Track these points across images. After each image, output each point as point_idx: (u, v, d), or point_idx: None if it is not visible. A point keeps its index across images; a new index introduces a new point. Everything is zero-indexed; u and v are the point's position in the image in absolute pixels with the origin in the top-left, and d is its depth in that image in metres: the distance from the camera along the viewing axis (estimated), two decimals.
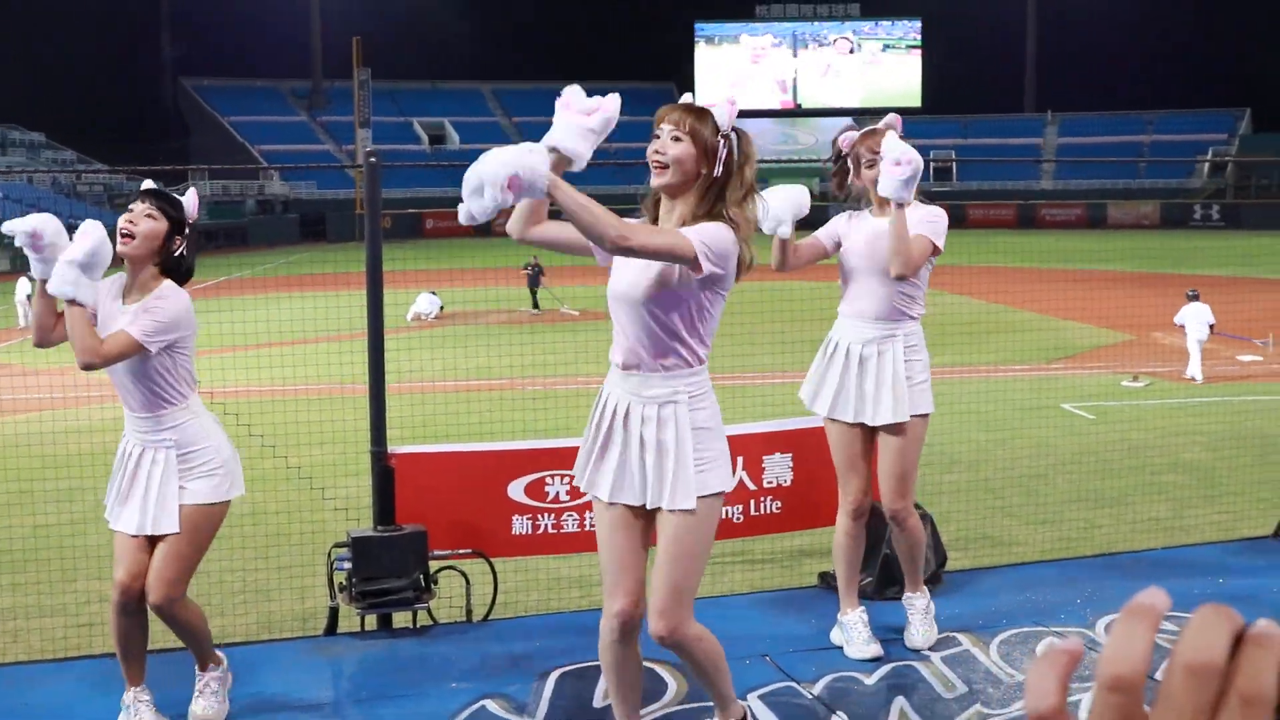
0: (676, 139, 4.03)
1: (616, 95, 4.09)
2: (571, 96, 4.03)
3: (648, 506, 4.15)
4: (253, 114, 78.09)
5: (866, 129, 5.66)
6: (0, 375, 17.31)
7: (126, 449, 4.96)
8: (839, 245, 5.64)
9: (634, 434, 4.11)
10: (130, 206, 4.92)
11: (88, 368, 4.74)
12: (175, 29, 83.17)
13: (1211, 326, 19.22)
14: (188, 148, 78.59)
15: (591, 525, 6.41)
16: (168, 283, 4.89)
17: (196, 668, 5.26)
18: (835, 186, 5.75)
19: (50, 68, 75.43)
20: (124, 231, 4.84)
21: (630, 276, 4.05)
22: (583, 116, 3.98)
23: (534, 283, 28.41)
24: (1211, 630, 0.76)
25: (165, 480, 4.87)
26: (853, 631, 5.81)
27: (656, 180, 4.05)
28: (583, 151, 3.99)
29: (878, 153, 5.47)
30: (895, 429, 5.62)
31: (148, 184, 5.06)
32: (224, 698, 5.27)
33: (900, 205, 5.34)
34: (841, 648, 5.85)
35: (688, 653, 4.28)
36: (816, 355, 5.76)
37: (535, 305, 28.26)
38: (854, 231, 5.62)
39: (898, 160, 5.28)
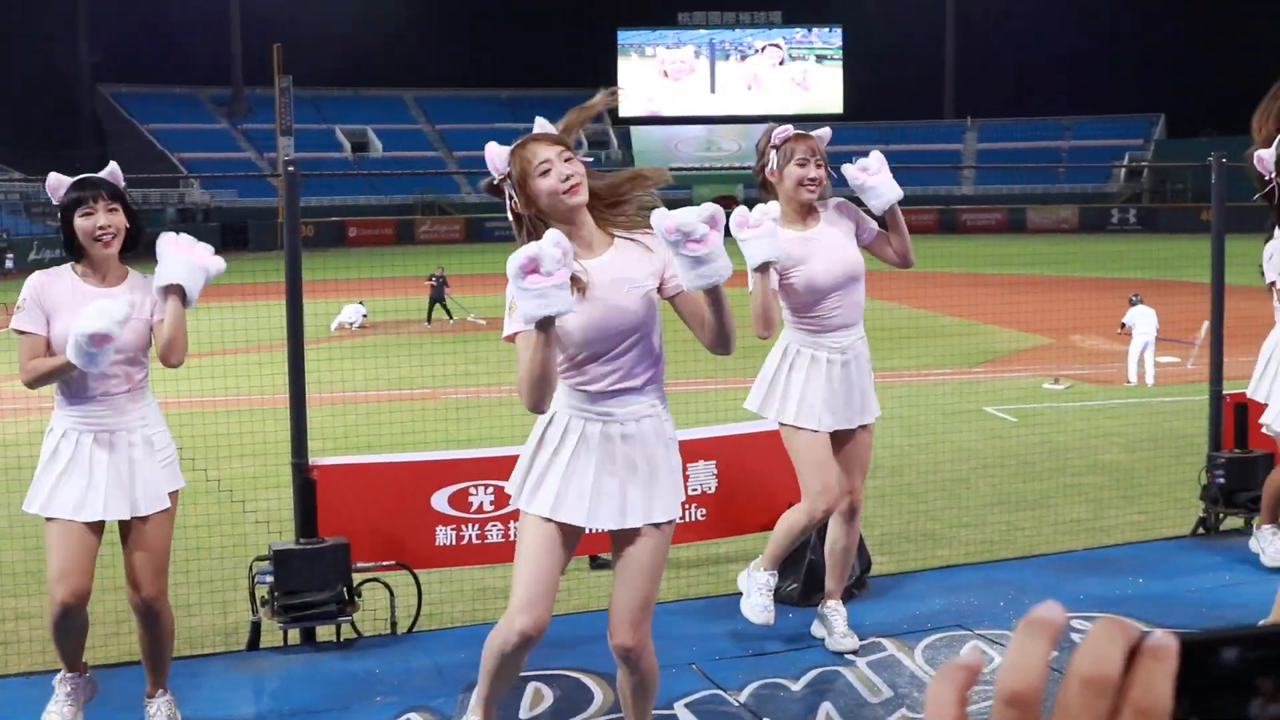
0: (568, 159, 3.99)
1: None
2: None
3: (626, 526, 4.10)
4: (172, 121, 77.28)
5: (799, 132, 5.68)
6: None
7: (80, 440, 4.79)
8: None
9: (612, 455, 4.05)
10: (86, 210, 4.78)
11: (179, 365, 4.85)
12: (93, 35, 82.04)
13: (1156, 330, 19.51)
14: (107, 155, 77.40)
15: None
16: (133, 270, 4.96)
17: (148, 692, 5.15)
18: (761, 187, 5.73)
19: None
20: (107, 234, 4.78)
21: (624, 308, 4.00)
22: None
23: (438, 294, 28.16)
24: (1107, 642, 0.76)
25: (146, 460, 4.85)
26: (758, 594, 5.77)
27: (577, 200, 3.98)
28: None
29: (813, 155, 5.52)
30: (869, 425, 5.78)
31: (60, 182, 4.93)
32: None
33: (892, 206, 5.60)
34: (778, 653, 5.84)
35: (644, 667, 4.26)
36: (776, 367, 5.64)
37: (429, 318, 27.88)
38: (808, 252, 5.51)
39: (877, 170, 5.56)
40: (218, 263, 4.90)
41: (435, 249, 49.68)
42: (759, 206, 5.10)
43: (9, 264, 43.93)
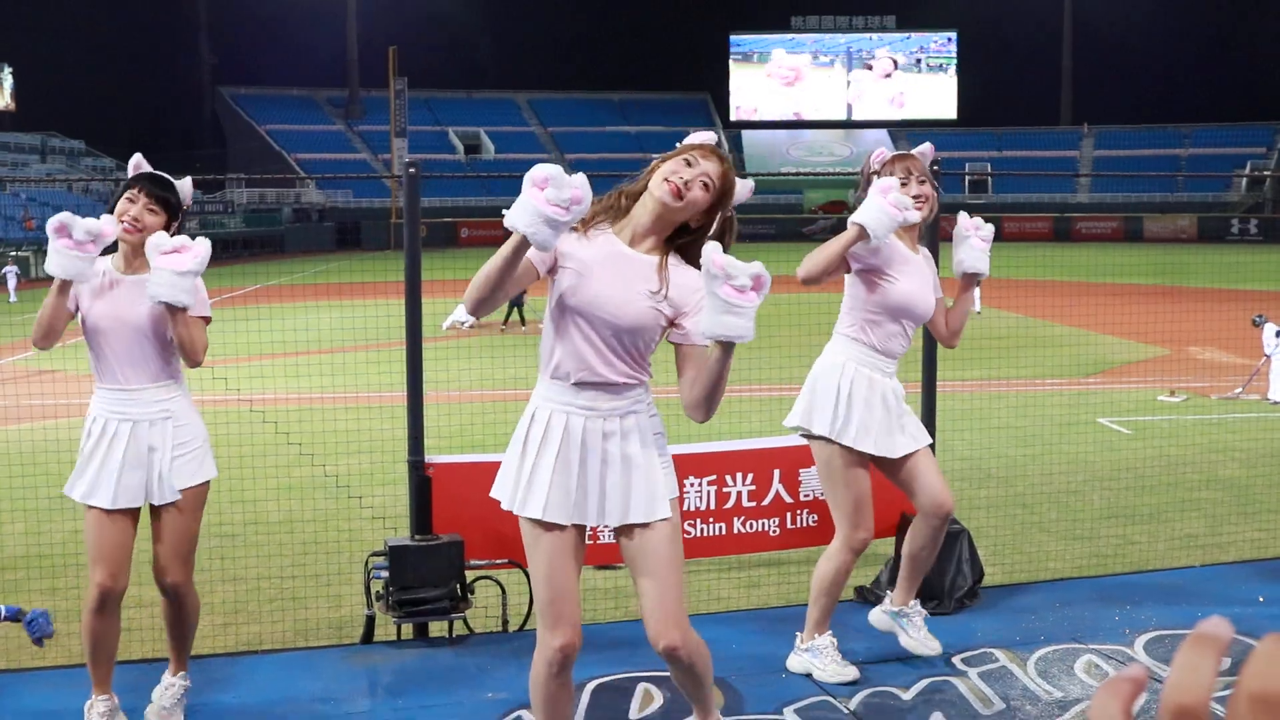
0: (705, 186, 3.97)
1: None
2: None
3: (611, 524, 4.06)
4: (289, 123, 78.61)
5: (898, 152, 5.64)
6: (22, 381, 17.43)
7: (106, 427, 4.90)
8: (868, 269, 5.46)
9: (593, 451, 4.01)
10: (130, 196, 4.89)
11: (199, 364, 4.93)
12: (213, 38, 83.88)
13: None
14: (225, 156, 79.17)
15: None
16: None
17: (168, 672, 5.25)
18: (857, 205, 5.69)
19: (90, 76, 76.06)
20: (135, 225, 4.88)
21: (636, 307, 3.95)
22: None
23: (518, 298, 28.17)
24: (1278, 660, 0.77)
25: (166, 449, 4.93)
26: (825, 656, 5.70)
27: (666, 199, 3.95)
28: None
29: (912, 174, 5.47)
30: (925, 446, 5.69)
31: (140, 164, 5.04)
32: (183, 711, 5.24)
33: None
34: (806, 675, 5.75)
35: (692, 661, 4.19)
36: (837, 385, 5.50)
37: (506, 320, 27.88)
38: (903, 267, 5.45)
39: (985, 237, 5.59)
40: (196, 257, 4.75)
41: None
42: (905, 199, 5.12)
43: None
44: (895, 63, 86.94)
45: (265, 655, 6.15)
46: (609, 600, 8.43)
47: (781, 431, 8.20)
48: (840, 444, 5.46)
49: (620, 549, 4.19)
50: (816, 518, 6.86)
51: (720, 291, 3.64)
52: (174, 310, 4.78)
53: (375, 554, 6.35)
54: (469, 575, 6.37)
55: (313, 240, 61.70)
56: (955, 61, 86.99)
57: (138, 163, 5.05)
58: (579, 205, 3.65)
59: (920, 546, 5.81)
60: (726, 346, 3.76)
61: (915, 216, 5.16)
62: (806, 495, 6.89)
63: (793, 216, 63.98)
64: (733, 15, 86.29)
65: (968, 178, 76.98)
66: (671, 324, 4.02)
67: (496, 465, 6.62)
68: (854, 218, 5.21)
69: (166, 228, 4.94)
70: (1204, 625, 0.80)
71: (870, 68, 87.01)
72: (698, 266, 3.93)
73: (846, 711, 5.34)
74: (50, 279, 4.74)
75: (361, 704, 5.53)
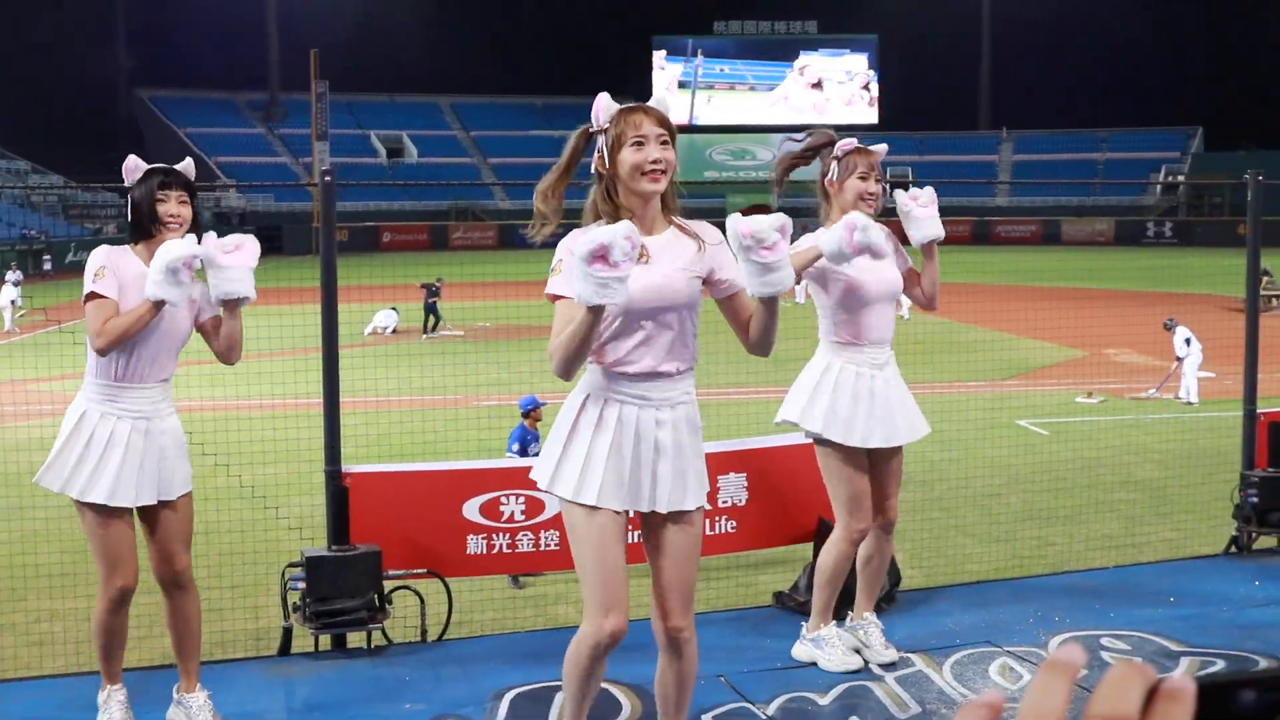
0: (665, 143, 4.04)
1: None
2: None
3: (662, 510, 4.13)
4: (209, 125, 77.76)
5: (860, 145, 5.70)
6: None
7: (115, 426, 4.90)
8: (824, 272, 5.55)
9: (647, 439, 4.07)
10: (161, 197, 4.95)
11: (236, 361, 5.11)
12: (132, 40, 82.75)
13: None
14: (144, 158, 78.05)
15: (548, 545, 6.42)
16: None
17: (184, 690, 5.23)
18: (781, 173, 5.74)
19: (5, 77, 74.81)
20: (176, 221, 4.94)
21: (676, 284, 4.05)
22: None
23: (432, 304, 27.98)
24: (1125, 684, 0.78)
25: (175, 447, 5.04)
26: (831, 647, 5.83)
27: (655, 188, 4.03)
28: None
29: (873, 170, 5.56)
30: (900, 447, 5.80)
31: (139, 164, 5.11)
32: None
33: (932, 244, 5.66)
34: (807, 665, 5.85)
35: (690, 651, 4.30)
36: (818, 382, 5.63)
37: (427, 328, 27.75)
38: (858, 262, 5.48)
39: (927, 203, 5.63)
40: (257, 252, 5.01)
41: (468, 255, 49.82)
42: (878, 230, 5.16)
43: (47, 265, 44.25)
44: (817, 67, 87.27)
45: (175, 669, 6.05)
46: (532, 607, 8.42)
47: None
48: (832, 440, 5.59)
49: (647, 531, 4.25)
50: (735, 524, 6.88)
51: (756, 257, 3.86)
52: (235, 305, 4.95)
53: (292, 565, 6.29)
54: (387, 585, 6.32)
55: None
56: (877, 66, 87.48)
57: (135, 164, 5.10)
58: (634, 248, 3.70)
59: (866, 554, 5.92)
60: (770, 303, 3.99)
61: (885, 251, 5.23)
62: (725, 502, 6.91)
63: (717, 221, 64.14)
64: (655, 20, 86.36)
65: (890, 182, 77.48)
66: (706, 282, 4.14)
67: (415, 475, 6.65)
68: (818, 242, 5.30)
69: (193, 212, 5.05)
70: (1059, 652, 0.82)
71: (791, 73, 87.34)
72: (675, 202, 4.19)
73: (765, 718, 5.36)
74: None
75: (277, 716, 5.48)
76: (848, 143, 5.69)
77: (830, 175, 5.65)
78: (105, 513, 4.91)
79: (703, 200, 72.08)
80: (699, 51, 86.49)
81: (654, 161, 4.00)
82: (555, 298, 4.00)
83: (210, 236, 4.91)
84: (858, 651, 5.90)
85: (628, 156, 4.01)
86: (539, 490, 4.54)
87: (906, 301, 29.37)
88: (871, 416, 5.59)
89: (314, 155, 65.04)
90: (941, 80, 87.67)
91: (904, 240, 5.83)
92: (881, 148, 5.77)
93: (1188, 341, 19.31)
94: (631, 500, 4.09)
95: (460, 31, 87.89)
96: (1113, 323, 20.76)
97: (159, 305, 4.77)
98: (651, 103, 4.15)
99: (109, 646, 5.10)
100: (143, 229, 4.96)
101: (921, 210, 5.66)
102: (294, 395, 12.49)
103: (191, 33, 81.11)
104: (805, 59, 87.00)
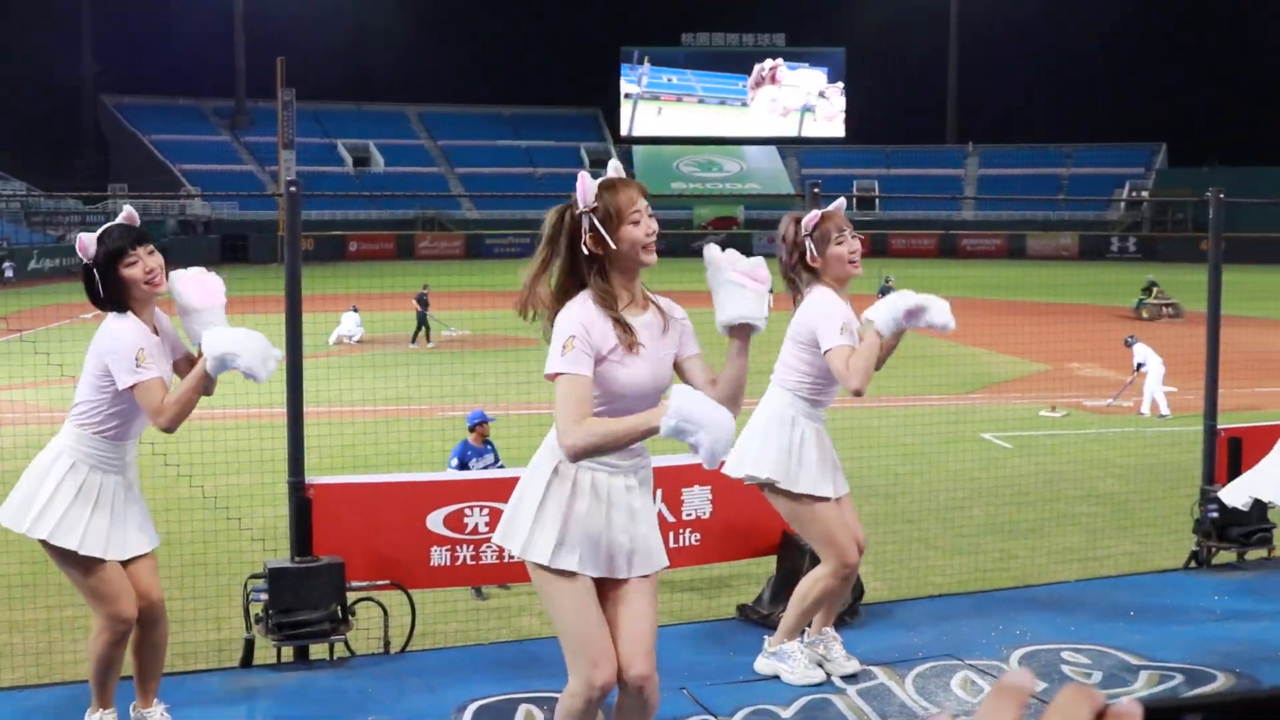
0: (651, 215, 4.09)
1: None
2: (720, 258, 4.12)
3: (642, 574, 4.17)
4: (175, 133, 77.32)
5: (822, 211, 5.70)
6: None
7: (103, 481, 4.96)
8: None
9: (620, 505, 4.10)
10: (131, 257, 4.90)
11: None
12: (96, 46, 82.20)
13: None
14: (108, 165, 77.69)
15: (512, 557, 6.38)
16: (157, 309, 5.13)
17: (142, 704, 5.27)
18: (790, 274, 5.74)
19: None
20: (155, 276, 4.92)
21: (664, 371, 4.12)
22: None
23: (422, 315, 27.87)
24: (1073, 708, 0.79)
25: (140, 491, 5.14)
26: (794, 660, 5.88)
27: (652, 259, 4.08)
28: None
29: (845, 230, 5.60)
30: None
31: (132, 215, 5.07)
32: None
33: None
34: (770, 679, 5.87)
35: (654, 697, 4.30)
36: (789, 438, 5.69)
37: (415, 338, 27.61)
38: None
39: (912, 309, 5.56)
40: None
41: (435, 265, 49.72)
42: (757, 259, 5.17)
43: (9, 273, 43.87)
44: (784, 80, 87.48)
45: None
46: (495, 619, 8.41)
47: (664, 450, 8.24)
48: (797, 492, 5.69)
49: (608, 587, 4.22)
50: (699, 536, 6.90)
51: (732, 277, 3.93)
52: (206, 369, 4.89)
53: (254, 576, 6.27)
54: (350, 597, 6.31)
55: (198, 253, 60.64)
56: (844, 79, 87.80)
57: (89, 240, 5.00)
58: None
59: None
60: (744, 339, 4.03)
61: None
62: (689, 515, 6.92)
63: (682, 233, 64.32)
64: (624, 31, 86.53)
65: (856, 195, 77.91)
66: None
67: (378, 486, 6.63)
68: (876, 324, 5.43)
69: None
70: (1007, 676, 0.83)
71: (759, 85, 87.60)
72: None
73: None
74: None
75: None
76: (811, 217, 5.68)
77: (809, 253, 5.62)
78: (93, 560, 4.95)
79: (670, 211, 72.26)
80: (646, 61, 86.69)
81: (650, 234, 4.06)
82: (553, 377, 3.95)
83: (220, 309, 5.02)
84: (820, 665, 5.93)
85: (629, 234, 4.02)
86: (503, 503, 4.51)
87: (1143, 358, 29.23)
88: (836, 467, 5.79)
89: (280, 164, 64.83)
90: (909, 94, 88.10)
91: None
92: (839, 203, 5.79)
93: (1146, 359, 19.59)
94: (606, 567, 4.13)
95: (428, 41, 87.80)
96: (1076, 337, 20.91)
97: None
98: (612, 173, 4.22)
99: (106, 675, 5.14)
100: (118, 301, 4.93)
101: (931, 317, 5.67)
102: (258, 405, 12.46)
103: (157, 39, 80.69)
104: (771, 70, 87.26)
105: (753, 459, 5.72)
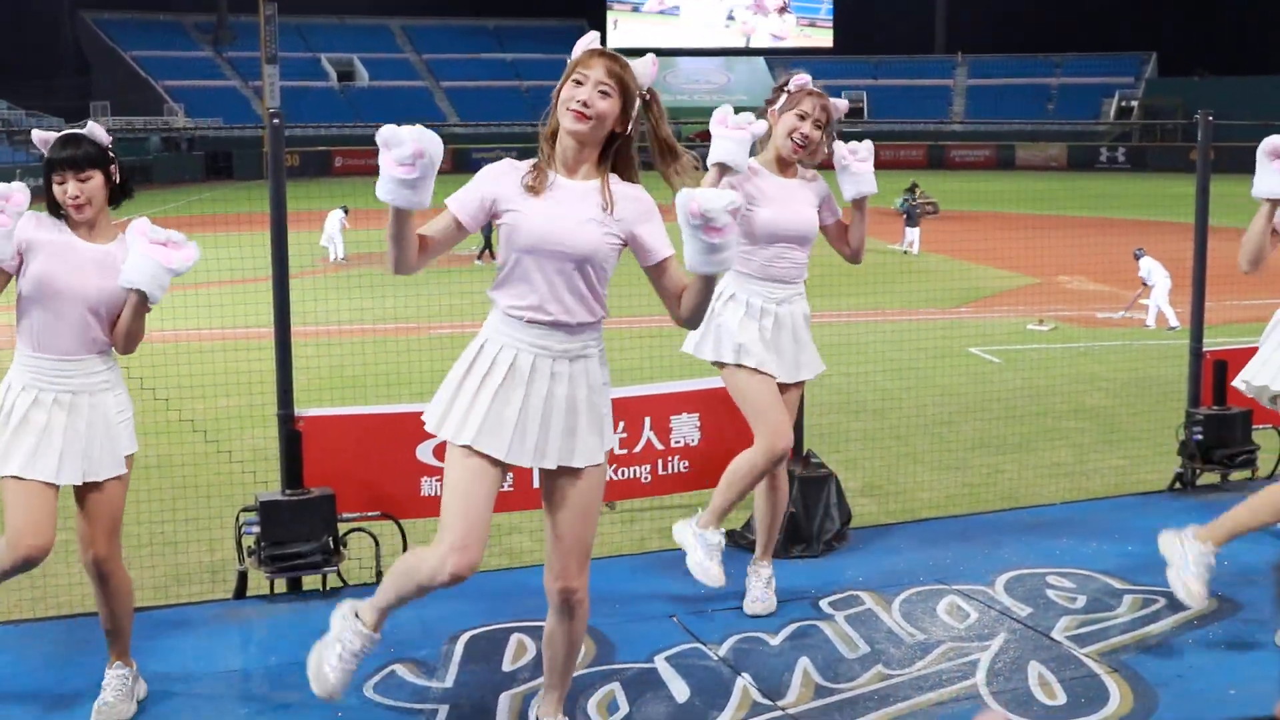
0: (605, 94, 3.98)
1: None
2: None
3: (549, 466, 4.07)
4: (156, 49, 76.47)
5: (818, 90, 5.69)
6: None
7: (40, 399, 4.66)
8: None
9: (539, 389, 4.02)
10: (57, 179, 4.68)
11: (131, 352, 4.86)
12: None
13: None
14: (90, 84, 76.94)
15: (509, 487, 6.42)
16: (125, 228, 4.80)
17: (109, 664, 5.03)
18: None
19: None
20: (77, 201, 4.69)
21: (575, 232, 3.97)
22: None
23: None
24: None
25: (110, 424, 4.76)
26: (703, 552, 5.78)
27: (574, 126, 3.98)
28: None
29: (814, 114, 5.55)
30: (801, 383, 5.81)
31: (46, 139, 4.81)
32: (133, 701, 5.04)
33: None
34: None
35: (582, 612, 4.27)
36: (711, 311, 5.62)
37: (481, 255, 27.30)
38: (766, 194, 5.58)
39: (864, 157, 5.59)
40: (187, 259, 4.72)
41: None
42: (746, 114, 5.11)
43: None
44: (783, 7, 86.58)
45: (136, 614, 6.06)
46: (487, 550, 8.43)
47: (655, 377, 8.27)
48: (715, 360, 5.66)
49: (544, 486, 4.20)
50: (688, 464, 6.93)
51: (703, 235, 3.76)
52: (141, 300, 4.67)
53: (246, 509, 6.29)
54: (341, 528, 6.34)
55: (182, 170, 60.31)
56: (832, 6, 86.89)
57: (43, 138, 4.82)
58: (424, 158, 3.74)
59: (761, 501, 5.99)
60: (710, 277, 3.91)
61: (760, 129, 5.18)
62: (678, 442, 6.96)
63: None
64: None
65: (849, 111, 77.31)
66: (625, 244, 4.07)
67: (368, 417, 6.64)
68: (710, 158, 5.29)
69: (108, 179, 4.77)
70: (982, 715, 0.85)
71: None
72: (632, 165, 4.14)
73: (716, 658, 5.42)
74: None
75: (234, 661, 5.50)
76: (802, 78, 5.69)
77: (775, 105, 5.67)
78: (11, 481, 4.65)
79: None
80: None
81: (581, 103, 3.97)
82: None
83: (140, 223, 4.69)
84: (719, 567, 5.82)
85: (563, 91, 4.03)
86: None
87: (911, 238, 29.23)
88: (768, 345, 5.61)
89: (264, 79, 64.29)
90: (897, 4, 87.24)
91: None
92: (841, 103, 5.77)
93: (1149, 272, 19.53)
94: (514, 452, 4.04)
95: None
96: (1065, 249, 20.90)
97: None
98: (633, 61, 4.10)
99: None
100: (56, 209, 4.75)
101: (859, 164, 5.62)
102: (243, 325, 12.45)
103: None
104: None
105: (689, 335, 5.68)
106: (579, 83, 3.99)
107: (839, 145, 5.63)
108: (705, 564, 5.78)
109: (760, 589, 5.97)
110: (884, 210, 30.98)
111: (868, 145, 5.66)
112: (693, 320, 4.06)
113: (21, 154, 53.75)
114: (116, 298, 4.71)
